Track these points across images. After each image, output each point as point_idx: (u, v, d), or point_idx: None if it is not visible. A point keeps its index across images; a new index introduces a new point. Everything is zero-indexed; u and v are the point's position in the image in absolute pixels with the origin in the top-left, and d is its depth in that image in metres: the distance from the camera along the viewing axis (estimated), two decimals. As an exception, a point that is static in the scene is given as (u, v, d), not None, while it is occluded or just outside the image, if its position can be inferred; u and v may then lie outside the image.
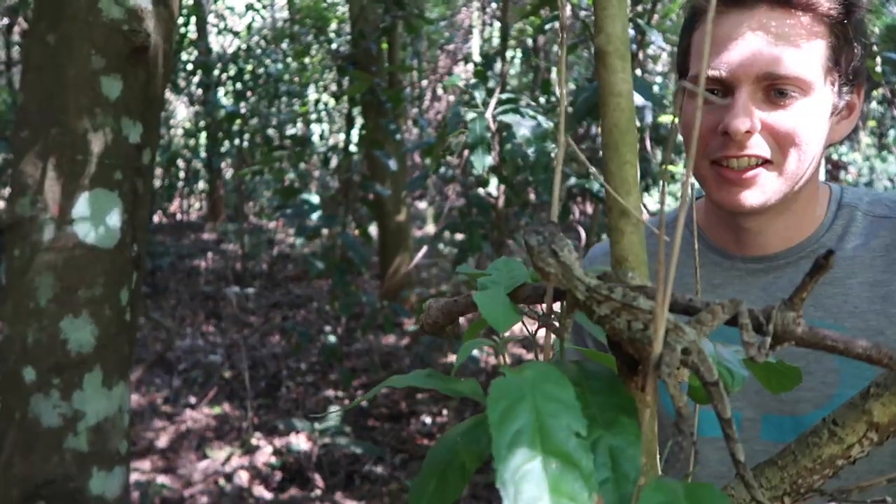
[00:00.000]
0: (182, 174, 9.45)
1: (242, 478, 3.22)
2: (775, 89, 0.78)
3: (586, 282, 0.43)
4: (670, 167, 4.13)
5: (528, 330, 0.54)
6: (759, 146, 0.79)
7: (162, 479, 3.17)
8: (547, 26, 2.91)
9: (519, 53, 7.17)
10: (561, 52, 0.44)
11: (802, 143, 0.79)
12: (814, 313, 0.83)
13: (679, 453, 0.40)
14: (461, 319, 0.62)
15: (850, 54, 0.81)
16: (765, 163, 0.79)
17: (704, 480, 0.64)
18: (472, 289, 0.55)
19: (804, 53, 0.77)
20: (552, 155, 2.60)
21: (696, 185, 0.89)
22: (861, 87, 0.85)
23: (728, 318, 0.43)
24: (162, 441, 3.56)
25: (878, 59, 2.98)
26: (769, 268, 0.87)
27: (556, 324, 0.48)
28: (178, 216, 9.94)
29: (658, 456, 0.45)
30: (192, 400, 4.06)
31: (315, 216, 3.06)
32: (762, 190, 0.80)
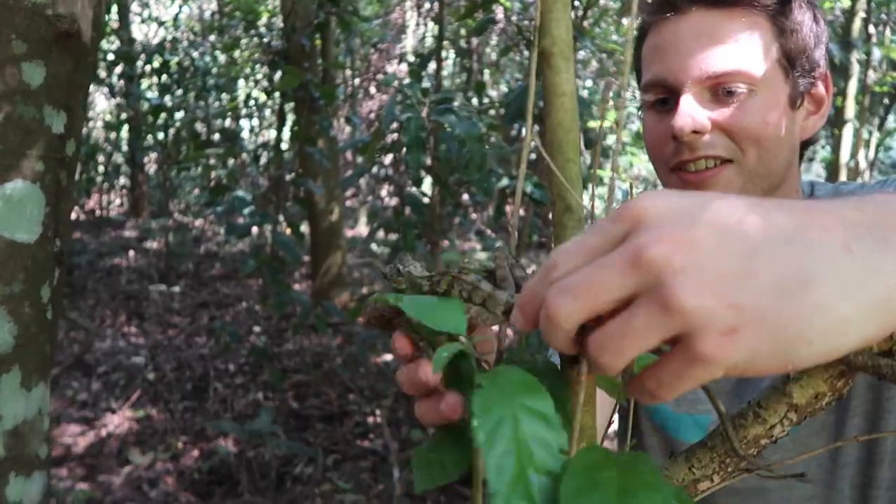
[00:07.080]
0: (101, 168, 9.03)
1: (168, 483, 3.12)
2: (722, 88, 0.78)
3: (427, 275, 0.52)
4: (597, 171, 4.26)
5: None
6: (713, 146, 0.79)
7: (81, 486, 3.03)
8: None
9: (452, 55, 7.21)
10: (530, 72, 0.46)
11: (761, 138, 0.79)
12: None
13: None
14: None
15: (799, 43, 0.80)
16: (725, 162, 0.80)
17: None
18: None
19: (744, 47, 0.78)
20: (487, 156, 2.64)
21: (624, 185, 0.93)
22: (825, 78, 0.85)
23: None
24: (80, 447, 3.40)
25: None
26: None
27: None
28: (97, 212, 9.50)
29: (601, 437, 0.47)
30: (114, 403, 3.89)
31: (246, 212, 2.99)
32: (723, 188, 0.79)
